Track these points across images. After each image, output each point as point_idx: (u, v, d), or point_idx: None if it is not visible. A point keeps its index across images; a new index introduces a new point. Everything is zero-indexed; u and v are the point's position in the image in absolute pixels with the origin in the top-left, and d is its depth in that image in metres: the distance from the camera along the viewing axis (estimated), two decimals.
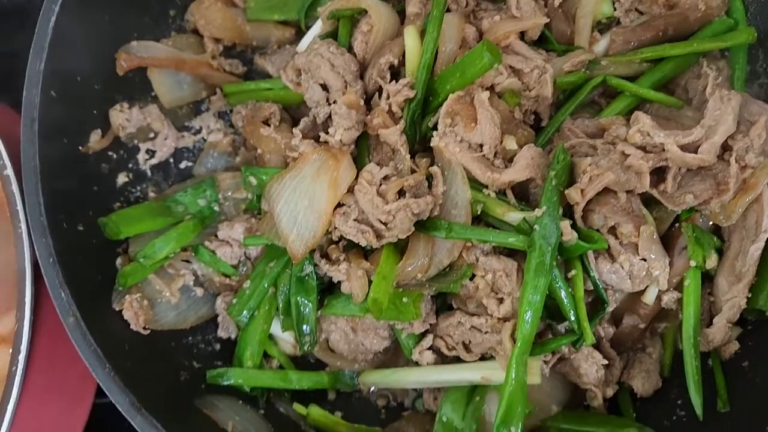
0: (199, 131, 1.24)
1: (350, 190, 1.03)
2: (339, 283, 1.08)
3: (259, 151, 1.16)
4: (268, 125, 1.15)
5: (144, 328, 1.02)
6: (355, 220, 1.02)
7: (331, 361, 1.12)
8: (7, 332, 1.00)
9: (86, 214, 1.03)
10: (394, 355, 1.13)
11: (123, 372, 0.90)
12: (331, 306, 1.08)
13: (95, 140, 1.09)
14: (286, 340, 1.13)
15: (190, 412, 0.97)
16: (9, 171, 0.96)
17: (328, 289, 1.11)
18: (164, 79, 1.18)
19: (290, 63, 1.14)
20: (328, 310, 1.08)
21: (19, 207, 0.95)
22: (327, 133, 1.06)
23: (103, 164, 1.10)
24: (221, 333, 1.13)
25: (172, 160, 1.21)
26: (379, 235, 1.01)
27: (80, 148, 1.06)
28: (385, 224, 0.99)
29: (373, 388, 1.13)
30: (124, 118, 1.12)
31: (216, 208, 1.16)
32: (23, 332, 0.91)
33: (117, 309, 1.01)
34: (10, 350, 0.99)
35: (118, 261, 1.06)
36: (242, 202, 1.17)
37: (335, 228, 1.04)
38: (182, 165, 1.22)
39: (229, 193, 1.16)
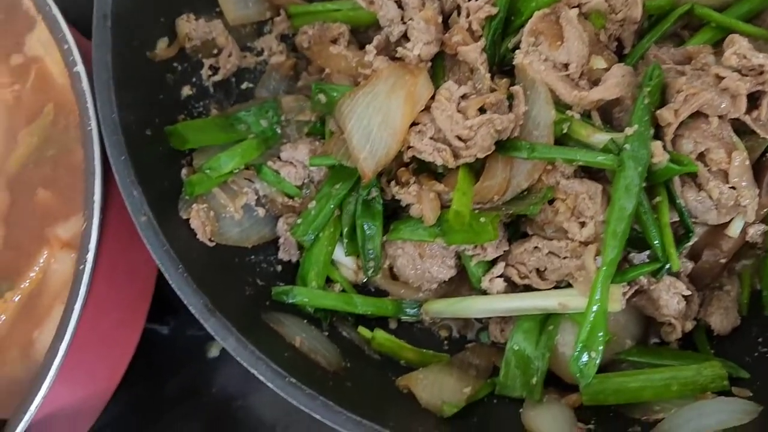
0: (261, 53, 1.20)
1: (426, 108, 0.99)
2: (403, 209, 1.05)
3: (326, 71, 1.12)
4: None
5: (210, 240, 0.99)
6: (431, 138, 0.98)
7: (394, 289, 1.09)
8: (70, 237, 0.97)
9: (153, 121, 0.99)
10: (458, 287, 1.09)
11: (193, 276, 0.87)
12: (398, 230, 1.05)
13: (162, 48, 1.05)
14: (347, 265, 1.09)
15: (259, 324, 0.93)
16: (80, 68, 0.92)
17: (392, 216, 1.08)
18: None
19: None
20: (394, 234, 1.05)
21: (90, 104, 0.91)
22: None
23: (168, 74, 1.07)
24: (282, 255, 1.09)
25: (233, 79, 1.17)
26: (456, 154, 0.97)
27: (147, 53, 1.03)
28: (464, 142, 0.96)
29: (436, 318, 1.09)
30: (191, 28, 1.08)
31: (278, 131, 1.12)
32: (92, 231, 0.87)
33: (184, 217, 0.97)
34: (73, 255, 0.96)
35: (183, 172, 1.02)
36: (304, 126, 1.13)
37: (408, 148, 1.00)
38: (243, 86, 1.18)
39: (292, 116, 1.13)
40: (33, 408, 0.84)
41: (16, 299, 0.96)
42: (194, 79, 1.11)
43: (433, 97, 0.99)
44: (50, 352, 0.86)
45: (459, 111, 0.96)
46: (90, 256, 0.87)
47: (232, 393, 1.25)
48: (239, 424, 1.23)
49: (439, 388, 0.95)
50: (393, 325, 1.10)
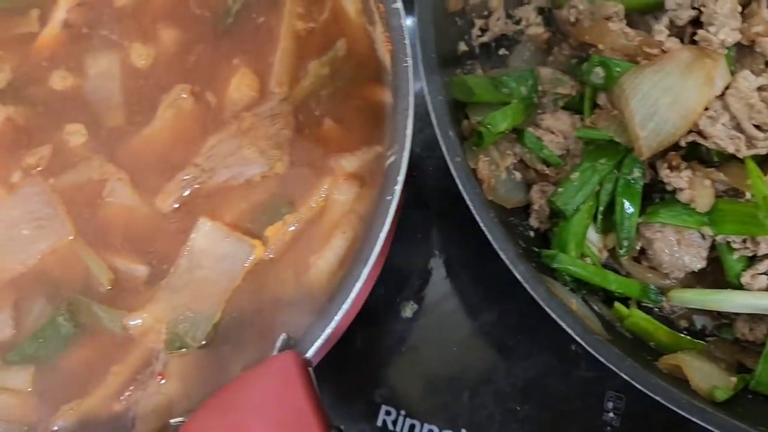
0: (518, 22, 1.21)
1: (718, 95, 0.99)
2: (656, 191, 1.05)
3: (595, 48, 1.12)
4: None
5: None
6: (722, 124, 0.98)
7: (638, 272, 1.09)
8: (354, 169, 0.98)
9: (443, 69, 1.01)
10: (702, 278, 1.08)
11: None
12: (657, 214, 1.04)
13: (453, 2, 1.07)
14: (593, 242, 1.09)
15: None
16: (399, 4, 0.93)
17: (645, 198, 1.08)
18: None
19: None
20: (652, 217, 1.05)
21: (407, 41, 0.92)
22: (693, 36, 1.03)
23: (451, 28, 1.08)
24: (532, 222, 1.10)
25: (493, 44, 1.18)
26: (750, 144, 0.97)
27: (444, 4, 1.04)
28: (764, 132, 0.95)
29: (675, 307, 1.09)
30: None
31: (535, 100, 1.13)
32: (401, 164, 0.88)
33: (471, 167, 0.98)
34: (356, 188, 0.97)
35: (465, 123, 1.04)
36: (561, 99, 1.14)
37: (691, 132, 1.00)
38: (500, 52, 1.19)
39: (549, 87, 1.14)
40: (325, 334, 0.85)
41: (295, 226, 0.97)
42: (466, 37, 1.13)
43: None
44: (347, 280, 0.87)
45: (762, 100, 0.95)
46: (398, 189, 0.88)
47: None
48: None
49: (708, 372, 0.95)
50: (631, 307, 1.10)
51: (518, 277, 0.84)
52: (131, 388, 0.94)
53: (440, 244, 1.24)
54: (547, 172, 1.10)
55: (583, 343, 0.81)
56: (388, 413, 1.20)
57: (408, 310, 1.24)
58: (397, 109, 0.91)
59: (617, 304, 1.04)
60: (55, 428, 0.94)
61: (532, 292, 0.84)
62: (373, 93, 1.00)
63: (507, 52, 1.19)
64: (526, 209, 1.11)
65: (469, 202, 0.86)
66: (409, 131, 0.90)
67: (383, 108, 0.99)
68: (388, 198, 0.88)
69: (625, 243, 1.05)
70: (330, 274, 0.95)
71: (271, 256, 0.97)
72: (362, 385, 1.21)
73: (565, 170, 1.09)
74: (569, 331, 0.82)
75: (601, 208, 1.06)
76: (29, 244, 0.99)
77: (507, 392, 1.20)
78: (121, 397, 0.94)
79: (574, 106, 1.13)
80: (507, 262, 0.84)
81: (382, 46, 1.01)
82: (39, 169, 1.02)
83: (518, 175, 1.09)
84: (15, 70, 1.05)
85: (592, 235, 1.08)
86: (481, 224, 0.85)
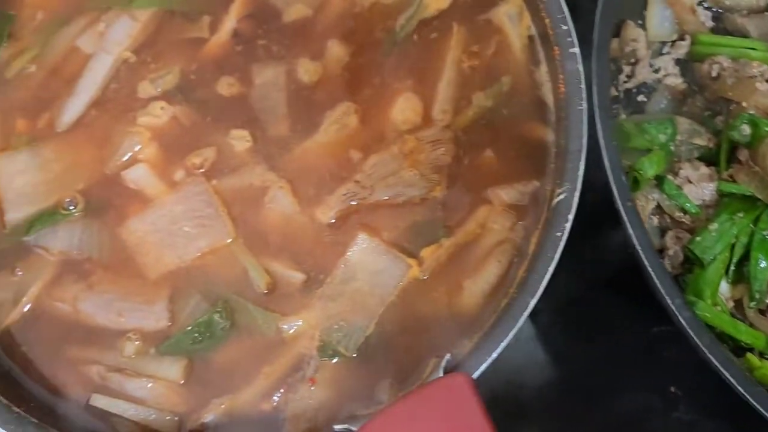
0: (657, 71, 1.25)
1: None
2: None
3: (735, 105, 1.16)
4: None
5: None
6: None
7: (764, 324, 1.12)
8: (512, 201, 1.02)
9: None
10: None
11: None
12: None
13: (613, 47, 1.11)
14: (723, 293, 1.13)
15: None
16: (576, 49, 0.98)
17: None
18: (657, 12, 1.20)
19: None
20: None
21: (583, 85, 0.96)
22: None
23: None
24: (665, 266, 1.13)
25: (634, 90, 1.22)
26: None
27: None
28: None
29: None
30: (636, 34, 1.15)
31: (672, 148, 1.17)
32: (572, 203, 0.92)
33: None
34: (512, 219, 1.01)
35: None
36: (696, 150, 1.18)
37: None
38: (639, 98, 1.23)
39: (685, 137, 1.18)
40: (491, 359, 0.89)
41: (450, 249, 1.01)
42: (614, 82, 1.17)
43: None
44: (513, 309, 0.91)
45: None
46: (567, 226, 0.92)
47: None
48: None
49: None
50: None
51: (682, 323, 0.88)
52: (281, 390, 0.98)
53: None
54: (683, 219, 1.13)
55: (744, 393, 0.84)
56: None
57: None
58: (569, 149, 0.95)
59: (750, 355, 1.07)
60: (205, 421, 0.98)
61: (696, 339, 0.87)
62: (534, 129, 1.04)
63: (645, 99, 1.23)
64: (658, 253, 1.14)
65: (638, 247, 0.90)
66: (581, 172, 0.94)
67: (543, 145, 1.03)
68: (558, 234, 0.92)
69: (757, 296, 1.09)
70: (482, 299, 0.99)
71: (426, 276, 1.00)
72: None
73: (700, 219, 1.13)
74: (731, 381, 0.85)
75: (734, 260, 1.10)
76: (189, 241, 1.03)
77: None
78: (271, 398, 0.98)
79: (708, 157, 1.17)
80: (673, 308, 0.88)
81: (546, 85, 1.05)
82: (203, 170, 1.06)
83: (655, 219, 1.13)
84: (184, 73, 1.10)
85: (723, 285, 1.12)
86: (650, 267, 0.89)
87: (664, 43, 1.25)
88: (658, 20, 1.20)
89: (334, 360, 0.99)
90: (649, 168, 1.09)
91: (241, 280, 1.02)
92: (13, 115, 1.10)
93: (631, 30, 1.16)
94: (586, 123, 0.95)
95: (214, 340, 1.00)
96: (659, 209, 1.14)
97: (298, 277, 1.02)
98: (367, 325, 0.99)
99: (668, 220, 1.14)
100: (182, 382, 0.99)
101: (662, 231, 1.14)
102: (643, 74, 1.20)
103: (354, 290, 1.00)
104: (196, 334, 1.00)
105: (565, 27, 0.98)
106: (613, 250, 1.22)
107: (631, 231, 0.90)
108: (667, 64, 1.25)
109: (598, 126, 0.94)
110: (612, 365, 1.26)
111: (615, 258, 1.21)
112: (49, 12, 1.14)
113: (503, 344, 0.89)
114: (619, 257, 1.19)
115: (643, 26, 1.20)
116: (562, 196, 0.93)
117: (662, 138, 1.16)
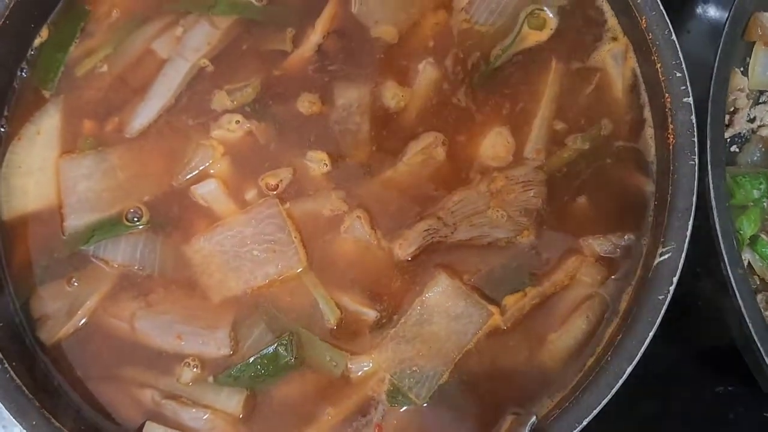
0: (751, 120, 1.19)
1: None
2: None
3: None
4: None
5: None
6: None
7: None
8: (605, 252, 0.96)
9: None
10: None
11: None
12: None
13: None
14: None
15: None
16: (690, 99, 0.91)
17: None
18: (762, 59, 1.13)
19: None
20: None
21: (696, 138, 0.90)
22: None
23: None
24: None
25: (728, 140, 1.16)
26: None
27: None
28: None
29: None
30: (743, 83, 1.08)
31: (765, 205, 1.11)
32: (679, 264, 0.86)
33: None
34: (603, 272, 0.95)
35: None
36: None
37: None
38: (732, 149, 1.17)
39: None
40: (582, 425, 0.83)
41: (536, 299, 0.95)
42: None
43: None
44: (606, 374, 0.85)
45: None
46: (671, 289, 0.86)
47: None
48: None
49: None
50: None
51: None
52: None
53: None
54: None
55: None
56: None
57: None
58: (677, 206, 0.89)
59: None
60: None
61: None
62: (633, 178, 0.98)
63: (738, 150, 1.17)
64: None
65: (748, 322, 0.84)
66: (689, 232, 0.87)
67: (642, 196, 0.97)
68: (660, 297, 0.86)
69: None
70: (567, 356, 0.93)
71: (507, 326, 0.95)
72: None
73: None
74: None
75: None
76: (258, 266, 0.98)
77: None
78: None
79: None
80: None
81: (648, 132, 0.99)
82: (276, 191, 1.00)
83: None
84: (262, 86, 1.04)
85: None
86: (760, 347, 0.83)
87: (761, 92, 1.19)
88: (762, 68, 1.14)
89: (404, 408, 0.93)
90: (748, 227, 1.02)
91: (309, 312, 0.97)
92: (80, 116, 1.05)
93: (738, 79, 1.09)
94: (696, 180, 0.89)
95: (277, 374, 0.95)
96: (750, 268, 1.08)
97: (370, 314, 0.96)
98: (441, 372, 0.93)
99: (758, 282, 1.07)
100: (241, 416, 0.94)
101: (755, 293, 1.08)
102: (741, 124, 1.14)
103: (429, 334, 0.94)
104: (259, 366, 0.95)
105: (679, 74, 0.92)
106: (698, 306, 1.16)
107: (741, 303, 0.84)
108: (763, 114, 1.18)
109: (710, 186, 0.87)
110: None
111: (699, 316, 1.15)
112: (126, 11, 1.08)
113: (595, 411, 0.83)
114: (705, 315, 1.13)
115: (744, 73, 1.13)
116: (665, 257, 0.87)
117: (756, 194, 1.09)
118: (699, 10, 1.37)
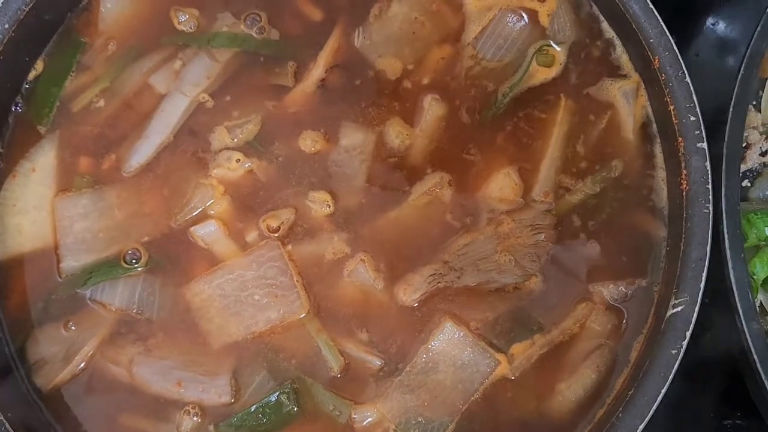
0: (763, 154, 1.16)
1: None
2: None
3: None
4: None
5: None
6: None
7: None
8: (615, 301, 0.94)
9: None
10: None
11: None
12: None
13: None
14: None
15: None
16: (704, 144, 0.89)
17: None
18: None
19: None
20: None
21: (710, 186, 0.87)
22: None
23: None
24: None
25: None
26: None
27: None
28: None
29: None
30: (757, 120, 1.05)
31: None
32: (692, 316, 0.84)
33: None
34: (614, 321, 0.93)
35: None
36: None
37: None
38: (744, 183, 1.14)
39: None
40: None
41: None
42: None
43: None
44: (621, 429, 0.82)
45: None
46: (685, 343, 0.84)
47: None
48: None
49: None
50: None
51: None
52: None
53: None
54: None
55: None
56: None
57: None
58: (691, 256, 0.86)
59: None
60: None
61: None
62: (644, 222, 0.96)
63: (749, 184, 1.14)
64: None
65: (764, 379, 0.82)
66: (703, 284, 0.85)
67: (653, 241, 0.95)
68: (673, 352, 0.83)
69: None
70: (576, 406, 0.91)
71: (515, 375, 0.92)
72: None
73: None
74: None
75: None
76: (259, 311, 0.95)
77: None
78: None
79: None
80: None
81: (660, 175, 0.96)
82: (278, 234, 0.98)
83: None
84: (263, 123, 1.01)
85: None
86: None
87: None
88: None
89: None
90: (761, 270, 1.00)
91: (312, 359, 0.94)
92: (77, 153, 1.02)
93: (752, 117, 1.07)
94: (710, 229, 0.86)
95: (279, 423, 0.92)
96: (762, 309, 1.05)
97: (374, 362, 0.94)
98: (447, 423, 0.91)
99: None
100: None
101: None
102: (754, 159, 1.11)
103: (435, 383, 0.92)
104: (261, 415, 0.93)
105: (693, 118, 0.89)
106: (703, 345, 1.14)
107: (755, 356, 0.82)
108: None
109: (725, 236, 0.85)
110: None
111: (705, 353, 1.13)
112: (123, 43, 1.05)
113: None
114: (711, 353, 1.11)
115: (757, 107, 1.11)
116: (679, 309, 0.85)
117: (767, 231, 1.07)
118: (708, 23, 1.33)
